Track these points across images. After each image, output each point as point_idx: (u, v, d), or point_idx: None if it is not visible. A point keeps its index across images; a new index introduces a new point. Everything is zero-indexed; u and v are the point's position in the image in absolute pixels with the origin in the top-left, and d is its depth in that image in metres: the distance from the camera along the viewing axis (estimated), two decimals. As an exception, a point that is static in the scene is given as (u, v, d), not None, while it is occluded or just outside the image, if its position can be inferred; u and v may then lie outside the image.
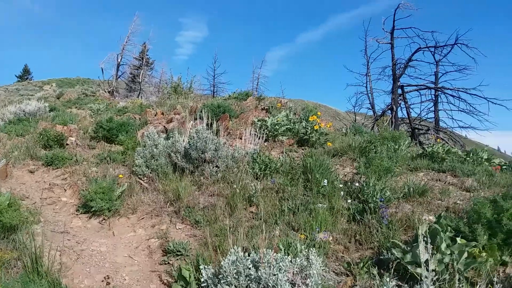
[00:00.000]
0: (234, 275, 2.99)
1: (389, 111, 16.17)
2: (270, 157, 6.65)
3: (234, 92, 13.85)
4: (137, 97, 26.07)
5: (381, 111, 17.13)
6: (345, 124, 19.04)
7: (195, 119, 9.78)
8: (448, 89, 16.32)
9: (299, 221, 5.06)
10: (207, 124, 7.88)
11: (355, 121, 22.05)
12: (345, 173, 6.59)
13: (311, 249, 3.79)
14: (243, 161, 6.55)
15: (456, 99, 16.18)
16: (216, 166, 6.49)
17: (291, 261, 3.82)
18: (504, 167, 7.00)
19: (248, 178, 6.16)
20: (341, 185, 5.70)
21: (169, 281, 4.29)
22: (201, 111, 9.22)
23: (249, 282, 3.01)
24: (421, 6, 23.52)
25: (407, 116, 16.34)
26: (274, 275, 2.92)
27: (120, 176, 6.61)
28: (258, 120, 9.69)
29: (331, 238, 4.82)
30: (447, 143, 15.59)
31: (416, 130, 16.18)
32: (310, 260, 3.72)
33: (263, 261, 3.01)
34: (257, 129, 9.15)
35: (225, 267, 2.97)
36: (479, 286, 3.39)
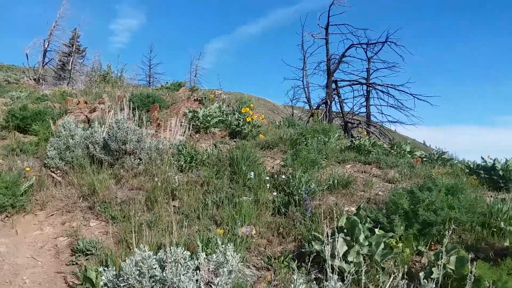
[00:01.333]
0: (137, 276, 2.71)
1: (324, 105, 16.50)
2: (196, 149, 6.38)
3: (167, 82, 13.34)
4: (66, 85, 24.49)
5: (316, 105, 17.43)
6: (282, 117, 19.16)
7: (122, 109, 9.25)
8: (379, 85, 16.98)
9: (223, 215, 4.86)
10: (134, 115, 7.43)
11: (293, 114, 22.30)
12: (274, 166, 6.48)
13: (228, 244, 3.61)
14: (168, 153, 6.22)
15: (385, 95, 16.89)
16: (139, 158, 6.11)
17: (207, 258, 3.62)
18: (424, 159, 7.28)
19: (172, 171, 5.85)
20: (267, 178, 5.57)
21: (75, 283, 3.91)
22: (129, 101, 8.71)
23: (153, 283, 2.75)
24: (354, 4, 24.25)
25: (340, 110, 16.79)
26: (183, 275, 2.68)
27: (28, 169, 5.99)
28: (190, 111, 9.34)
29: (254, 231, 4.67)
30: (377, 137, 16.20)
31: (349, 124, 16.66)
32: (227, 257, 3.53)
33: (170, 260, 2.76)
34: (189, 121, 8.83)
35: (125, 268, 2.68)
36: (393, 277, 3.37)
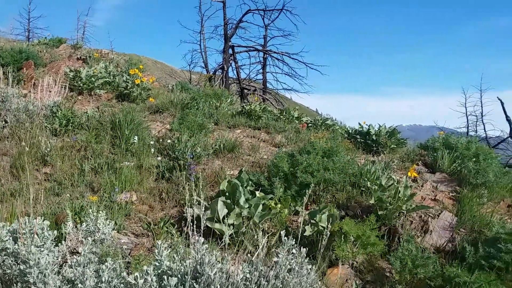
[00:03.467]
0: (-18, 251, 2.38)
1: (221, 71, 16.37)
2: (74, 111, 5.85)
3: (45, 38, 11.96)
4: None
5: (213, 70, 17.23)
6: (187, 82, 18.60)
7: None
8: (275, 52, 17.31)
9: (101, 181, 4.56)
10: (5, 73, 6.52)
11: (190, 79, 21.81)
12: (161, 130, 6.25)
13: (101, 212, 3.38)
14: (40, 116, 5.60)
15: (280, 63, 17.31)
16: (4, 121, 5.40)
17: (76, 227, 3.36)
18: (309, 125, 7.64)
19: (44, 135, 5.29)
20: (152, 142, 5.34)
21: None
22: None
23: (6, 257, 2.46)
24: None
25: (237, 76, 16.83)
26: (36, 246, 2.42)
27: None
28: (71, 71, 8.51)
29: (135, 198, 4.47)
30: (272, 103, 16.65)
31: (245, 90, 16.82)
32: (98, 225, 3.31)
33: (23, 231, 2.47)
34: (70, 81, 8.05)
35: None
36: (267, 236, 3.48)
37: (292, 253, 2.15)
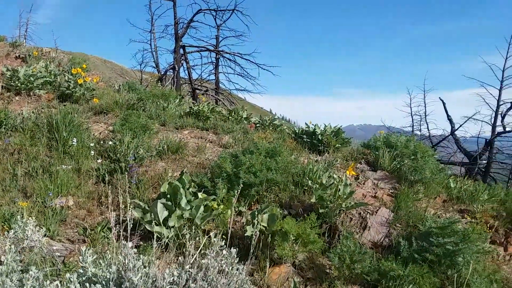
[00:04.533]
0: None
1: (172, 71, 16.10)
2: (6, 112, 5.53)
3: (-20, 34, 11.24)
4: None
5: (164, 70, 16.91)
6: (134, 82, 18.09)
7: None
8: (227, 53, 17.26)
9: (35, 186, 4.34)
10: None
11: (141, 79, 21.31)
12: (102, 132, 6.04)
13: (30, 218, 3.21)
14: (-32, 117, 5.25)
15: (233, 63, 17.28)
16: None
17: (3, 235, 3.17)
18: (257, 125, 7.68)
19: (-28, 138, 4.96)
20: (92, 144, 5.15)
21: None
22: None
23: None
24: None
25: (188, 77, 16.63)
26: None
27: None
28: (8, 70, 8.05)
29: (71, 202, 4.29)
30: (224, 104, 16.58)
31: (197, 91, 16.65)
32: (26, 232, 3.14)
33: None
34: (7, 81, 7.63)
35: None
36: (207, 237, 3.44)
37: (223, 254, 2.13)
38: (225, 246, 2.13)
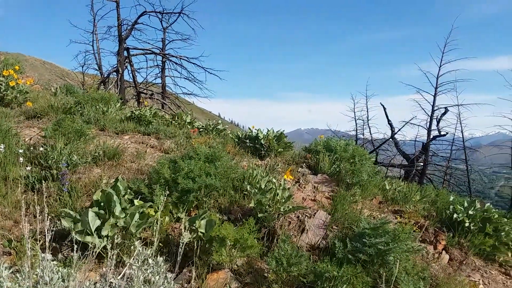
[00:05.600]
0: None
1: (116, 73, 15.59)
2: None
3: None
4: None
5: (107, 73, 16.34)
6: (73, 84, 17.33)
7: None
8: (173, 56, 16.98)
9: (-47, 196, 4.01)
10: None
11: (83, 82, 20.49)
12: (33, 137, 5.72)
13: None
14: None
15: (179, 67, 17.03)
16: None
17: None
18: (201, 129, 7.61)
19: None
20: (21, 151, 4.85)
21: None
22: None
23: None
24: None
25: (133, 80, 16.17)
26: None
27: None
28: None
29: (-5, 213, 4.01)
30: (170, 108, 16.31)
31: (142, 94, 16.25)
32: None
33: None
34: None
35: None
36: (141, 246, 3.35)
37: (148, 263, 2.07)
38: (151, 255, 2.07)
